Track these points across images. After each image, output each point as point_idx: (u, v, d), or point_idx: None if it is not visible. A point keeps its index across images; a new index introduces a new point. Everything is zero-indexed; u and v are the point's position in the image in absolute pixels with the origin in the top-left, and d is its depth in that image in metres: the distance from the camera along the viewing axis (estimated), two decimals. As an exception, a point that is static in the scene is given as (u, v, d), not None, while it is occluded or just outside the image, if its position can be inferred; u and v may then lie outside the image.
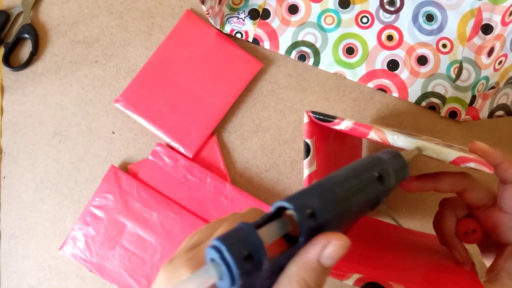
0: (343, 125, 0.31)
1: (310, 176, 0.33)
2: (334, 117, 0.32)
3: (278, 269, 0.22)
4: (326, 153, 0.36)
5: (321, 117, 0.32)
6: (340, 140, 0.39)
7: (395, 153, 0.27)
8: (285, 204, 0.22)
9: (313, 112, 0.32)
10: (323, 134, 0.35)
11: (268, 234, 0.21)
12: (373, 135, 0.30)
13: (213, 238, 0.20)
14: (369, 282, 0.31)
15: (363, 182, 0.24)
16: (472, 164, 0.27)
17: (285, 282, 0.22)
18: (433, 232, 0.40)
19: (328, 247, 0.21)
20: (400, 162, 0.26)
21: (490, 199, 0.35)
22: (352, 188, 0.23)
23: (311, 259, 0.22)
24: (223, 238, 0.20)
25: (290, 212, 0.22)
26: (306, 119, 0.33)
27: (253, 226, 0.20)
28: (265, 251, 0.20)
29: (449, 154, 0.28)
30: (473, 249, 0.39)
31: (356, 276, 0.32)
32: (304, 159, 0.33)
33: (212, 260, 0.20)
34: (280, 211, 0.22)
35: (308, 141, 0.33)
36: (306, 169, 0.33)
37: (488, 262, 0.37)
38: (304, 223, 0.21)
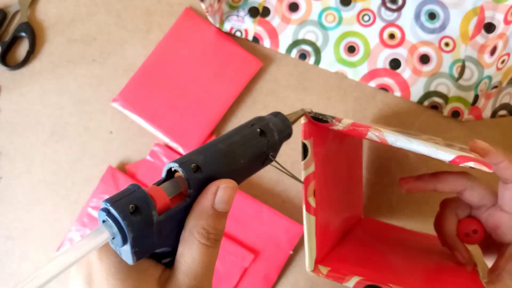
0: (341, 126, 0.32)
1: (308, 177, 0.33)
2: (332, 117, 0.32)
3: (177, 227, 0.24)
4: (325, 153, 0.36)
5: (318, 117, 0.32)
6: (339, 139, 0.39)
7: (277, 112, 0.30)
8: (171, 164, 0.24)
9: (311, 112, 0.33)
10: (322, 134, 0.35)
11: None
12: (371, 135, 0.31)
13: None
14: (369, 285, 0.32)
15: (245, 137, 0.27)
16: (471, 164, 0.28)
17: (187, 235, 0.23)
18: (434, 233, 0.41)
19: (218, 192, 0.23)
20: (281, 119, 0.29)
21: (491, 199, 0.35)
22: (235, 143, 0.26)
23: (206, 207, 0.23)
24: (108, 198, 0.21)
25: (177, 169, 0.24)
26: (303, 120, 0.33)
27: (138, 185, 0.22)
28: (152, 203, 0.21)
29: (448, 153, 0.28)
30: (475, 249, 0.40)
31: (356, 278, 0.32)
32: (301, 160, 0.33)
33: (104, 221, 0.21)
34: (172, 173, 0.24)
35: (305, 142, 0.33)
36: (303, 170, 0.33)
37: (490, 262, 0.37)
38: (191, 176, 0.23)
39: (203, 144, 0.26)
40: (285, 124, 0.29)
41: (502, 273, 0.33)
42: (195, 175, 0.23)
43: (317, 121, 0.33)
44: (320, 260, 0.35)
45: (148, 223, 0.21)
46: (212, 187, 0.23)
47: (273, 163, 0.29)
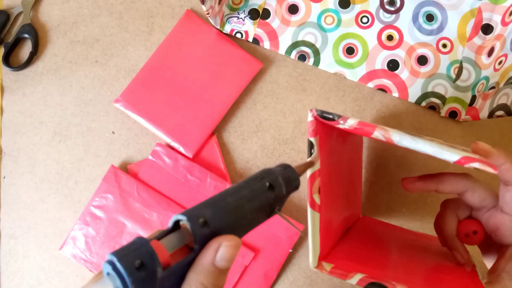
0: (347, 124, 0.31)
1: (313, 175, 0.33)
2: (339, 116, 0.31)
3: (179, 281, 0.23)
4: (329, 152, 0.35)
5: (325, 115, 0.32)
6: (342, 139, 0.39)
7: (286, 165, 0.29)
8: (180, 216, 0.23)
9: (318, 111, 0.32)
10: (326, 133, 0.34)
11: (165, 246, 0.22)
12: (377, 134, 0.30)
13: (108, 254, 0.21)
14: (372, 282, 0.31)
15: (254, 191, 0.26)
16: (476, 164, 0.27)
17: None
18: (433, 233, 0.40)
19: (220, 250, 0.23)
20: (291, 172, 0.28)
21: (491, 200, 0.34)
22: (244, 197, 0.25)
23: (206, 263, 0.23)
24: (115, 252, 0.21)
25: (185, 223, 0.23)
26: (310, 118, 0.32)
27: (145, 239, 0.21)
28: (158, 260, 0.21)
29: (453, 154, 0.27)
30: (472, 250, 0.39)
31: (359, 275, 0.32)
32: (308, 158, 0.33)
33: (108, 274, 0.21)
34: (179, 224, 0.24)
35: (312, 139, 0.32)
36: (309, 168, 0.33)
37: (489, 263, 0.36)
38: (198, 231, 0.23)
39: (213, 196, 0.25)
40: (293, 177, 0.28)
41: (502, 274, 0.32)
42: (202, 230, 0.23)
43: (324, 119, 0.32)
44: (323, 257, 0.35)
45: (152, 279, 0.21)
46: (214, 244, 0.23)
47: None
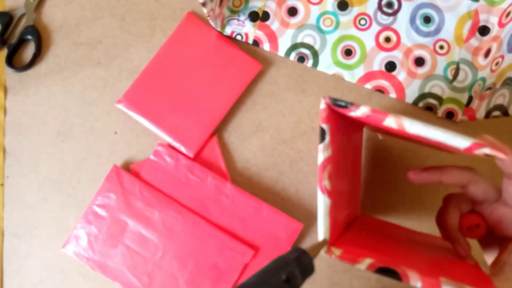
0: (360, 112, 0.30)
1: (325, 160, 0.32)
2: (351, 103, 0.30)
3: None
4: (337, 145, 0.34)
5: (338, 103, 0.30)
6: (347, 136, 0.38)
7: (302, 251, 0.29)
8: None
9: (331, 98, 0.31)
10: (336, 123, 0.33)
11: None
12: (389, 121, 0.29)
13: None
14: (382, 267, 0.30)
15: (271, 287, 0.26)
16: (487, 150, 0.26)
17: None
18: (430, 232, 0.39)
19: None
20: (307, 260, 0.28)
21: (494, 193, 0.33)
22: None
23: None
24: None
25: None
26: (323, 105, 0.31)
27: None
28: None
29: (465, 140, 0.27)
30: (473, 247, 0.38)
31: (368, 260, 0.30)
32: (319, 143, 0.32)
33: None
34: None
35: (324, 126, 0.31)
36: (321, 153, 0.32)
37: (489, 258, 0.36)
38: None
39: None
40: (309, 264, 0.28)
41: (505, 266, 0.32)
42: None
43: (336, 106, 0.30)
44: (331, 244, 0.34)
45: None
46: None
47: None
